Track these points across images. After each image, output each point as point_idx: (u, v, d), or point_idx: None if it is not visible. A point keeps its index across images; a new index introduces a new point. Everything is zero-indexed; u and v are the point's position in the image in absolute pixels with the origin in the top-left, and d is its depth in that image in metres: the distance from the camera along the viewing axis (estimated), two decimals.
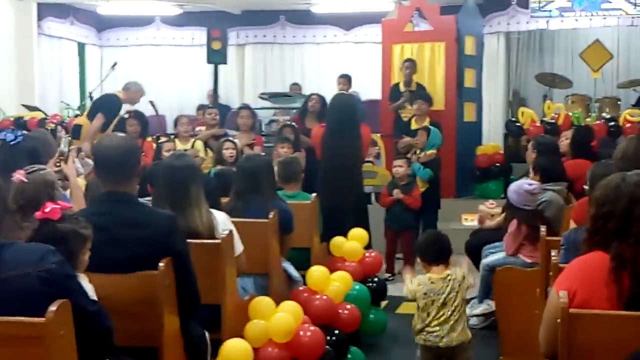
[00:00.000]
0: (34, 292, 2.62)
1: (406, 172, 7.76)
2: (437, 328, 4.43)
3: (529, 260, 5.47)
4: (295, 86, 13.09)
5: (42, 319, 2.48)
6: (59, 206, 3.00)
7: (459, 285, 4.47)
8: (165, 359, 3.30)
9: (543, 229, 4.70)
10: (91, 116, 8.97)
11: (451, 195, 9.53)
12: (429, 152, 8.06)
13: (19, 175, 3.52)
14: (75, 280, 2.82)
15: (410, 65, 9.77)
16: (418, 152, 8.13)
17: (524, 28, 13.14)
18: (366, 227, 6.38)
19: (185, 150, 7.70)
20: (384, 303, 6.15)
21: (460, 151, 9.81)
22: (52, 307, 2.50)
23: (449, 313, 4.43)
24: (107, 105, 8.97)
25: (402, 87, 9.78)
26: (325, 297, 4.87)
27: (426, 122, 8.74)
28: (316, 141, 7.00)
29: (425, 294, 4.46)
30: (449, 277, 4.47)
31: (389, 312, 6.18)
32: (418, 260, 4.92)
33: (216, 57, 11.24)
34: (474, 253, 6.22)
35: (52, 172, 3.82)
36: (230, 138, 8.01)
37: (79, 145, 7.76)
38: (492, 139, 12.00)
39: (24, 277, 2.62)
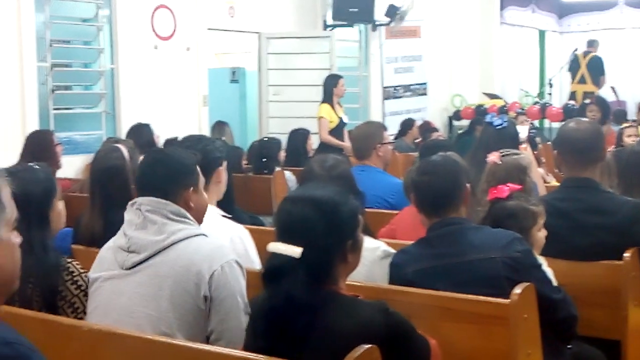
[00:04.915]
0: (499, 276, 2.68)
1: None
2: None
3: None
4: None
5: (506, 301, 2.52)
6: (508, 187, 3.08)
7: None
8: (629, 353, 3.17)
9: None
10: None
11: None
12: None
13: (493, 157, 3.63)
14: (540, 269, 2.83)
15: None
16: None
17: None
18: None
19: None
20: None
21: None
22: (517, 290, 2.52)
23: None
24: None
25: None
26: None
27: None
28: None
29: None
30: None
31: None
32: None
33: None
34: None
35: (526, 158, 3.83)
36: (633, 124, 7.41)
37: None
38: None
39: (489, 261, 2.70)
